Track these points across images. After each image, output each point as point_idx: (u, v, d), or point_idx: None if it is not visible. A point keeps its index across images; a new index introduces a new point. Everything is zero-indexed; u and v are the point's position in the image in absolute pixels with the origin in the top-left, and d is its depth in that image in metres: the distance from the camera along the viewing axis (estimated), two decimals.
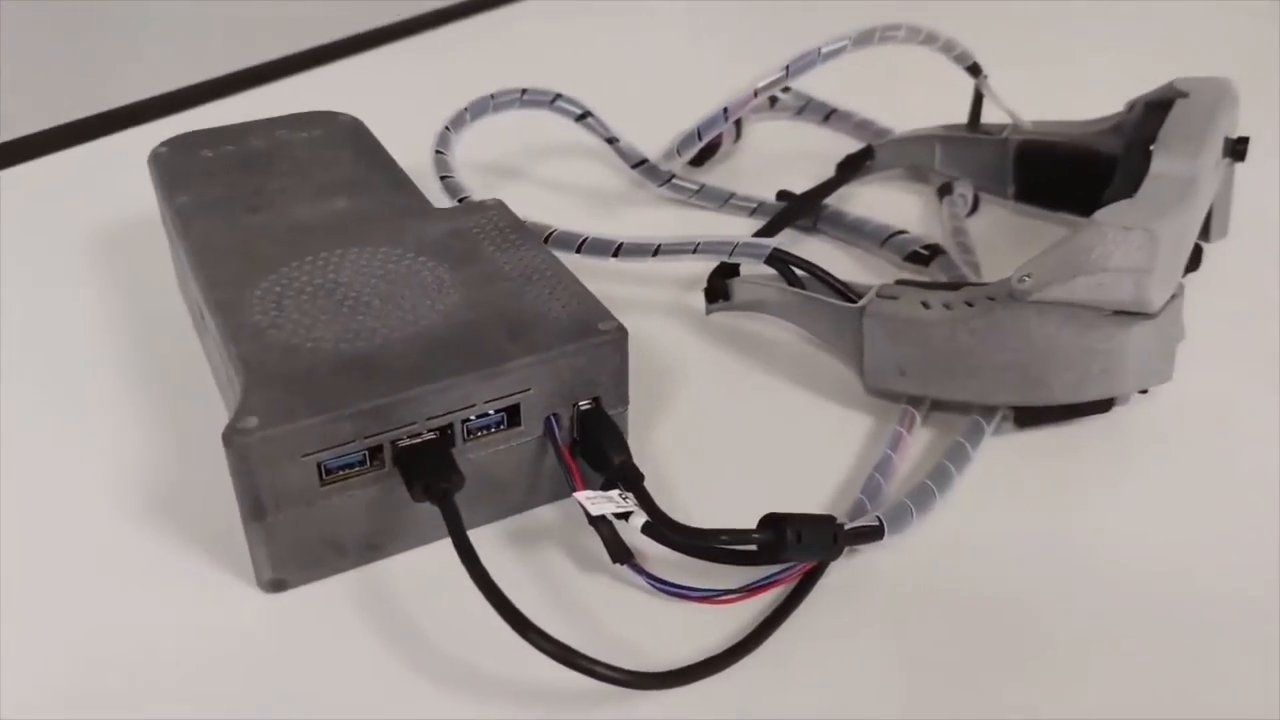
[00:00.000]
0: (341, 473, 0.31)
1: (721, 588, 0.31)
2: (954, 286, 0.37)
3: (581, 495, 0.31)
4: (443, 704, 0.28)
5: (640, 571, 0.31)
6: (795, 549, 0.30)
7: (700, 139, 0.46)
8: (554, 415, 0.33)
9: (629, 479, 0.32)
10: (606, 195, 0.53)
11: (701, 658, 0.29)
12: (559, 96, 0.50)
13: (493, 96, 0.49)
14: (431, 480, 0.30)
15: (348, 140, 0.44)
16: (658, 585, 0.31)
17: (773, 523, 0.30)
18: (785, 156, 0.56)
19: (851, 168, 0.52)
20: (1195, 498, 0.35)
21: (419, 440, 0.31)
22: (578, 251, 0.42)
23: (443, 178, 0.47)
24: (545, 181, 0.55)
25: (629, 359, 0.34)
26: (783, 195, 0.50)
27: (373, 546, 0.32)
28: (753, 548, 0.30)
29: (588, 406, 0.33)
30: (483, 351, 0.32)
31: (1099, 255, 0.34)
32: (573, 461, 0.33)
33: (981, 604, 0.31)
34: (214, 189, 0.41)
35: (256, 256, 0.36)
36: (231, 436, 0.29)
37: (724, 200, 0.51)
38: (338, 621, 0.31)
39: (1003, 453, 0.37)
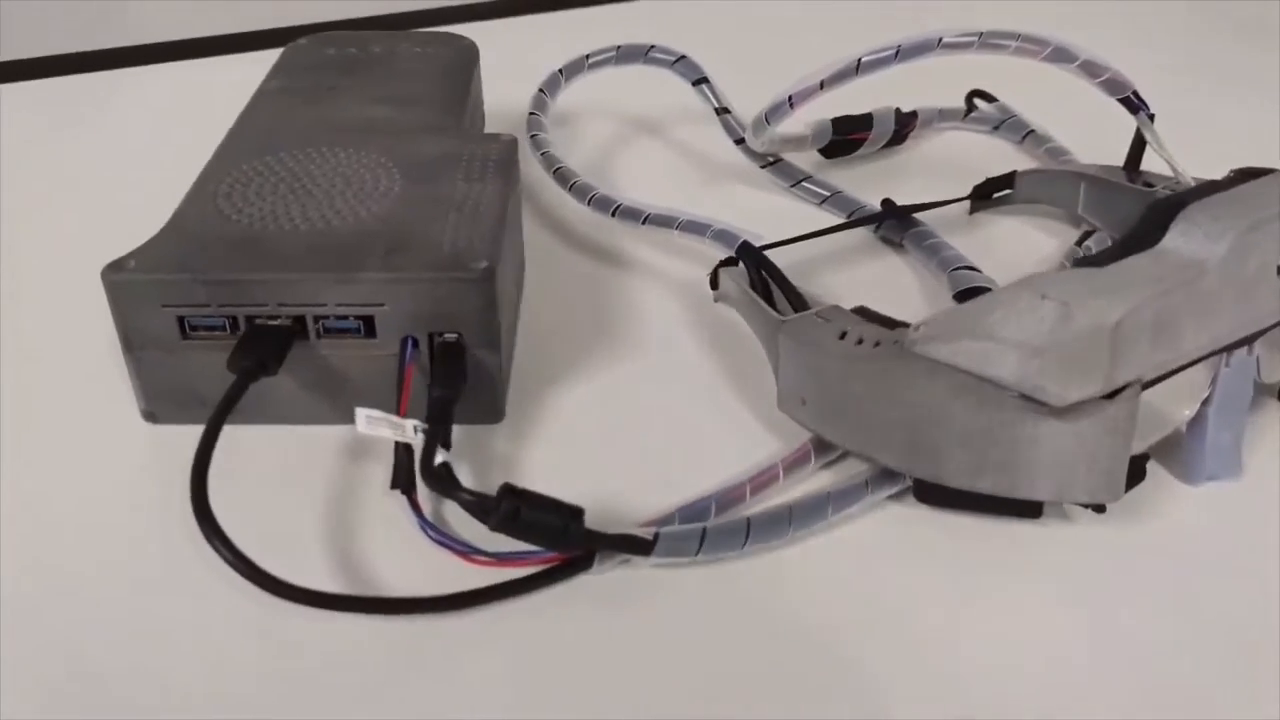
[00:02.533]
0: (202, 333, 0.33)
1: (482, 549, 0.30)
2: (893, 324, 0.32)
3: (364, 410, 0.31)
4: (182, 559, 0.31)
5: (414, 508, 0.31)
6: (516, 526, 0.28)
7: (791, 106, 0.42)
8: (412, 338, 0.34)
9: (435, 415, 0.32)
10: (709, 167, 0.51)
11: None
12: (659, 52, 0.48)
13: (587, 56, 0.48)
14: (249, 358, 0.32)
15: (448, 63, 0.46)
16: (422, 524, 0.31)
17: (508, 494, 0.29)
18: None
19: (986, 194, 0.46)
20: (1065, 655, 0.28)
21: (272, 322, 0.33)
22: (587, 204, 0.42)
23: (532, 136, 0.47)
24: (648, 146, 0.54)
25: (497, 305, 0.33)
26: (886, 204, 0.45)
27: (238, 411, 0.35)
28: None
29: (451, 340, 0.34)
30: (350, 258, 0.33)
31: (996, 320, 0.28)
32: (408, 385, 0.33)
33: (730, 655, 0.28)
34: (302, 80, 0.45)
35: (272, 140, 0.40)
36: (105, 272, 0.33)
37: (822, 199, 0.47)
38: (173, 464, 0.34)
39: (884, 522, 0.32)
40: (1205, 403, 0.32)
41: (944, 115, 0.54)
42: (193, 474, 0.30)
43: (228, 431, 0.31)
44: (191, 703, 0.27)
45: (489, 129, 0.48)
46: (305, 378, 0.34)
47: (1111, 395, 0.28)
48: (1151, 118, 0.42)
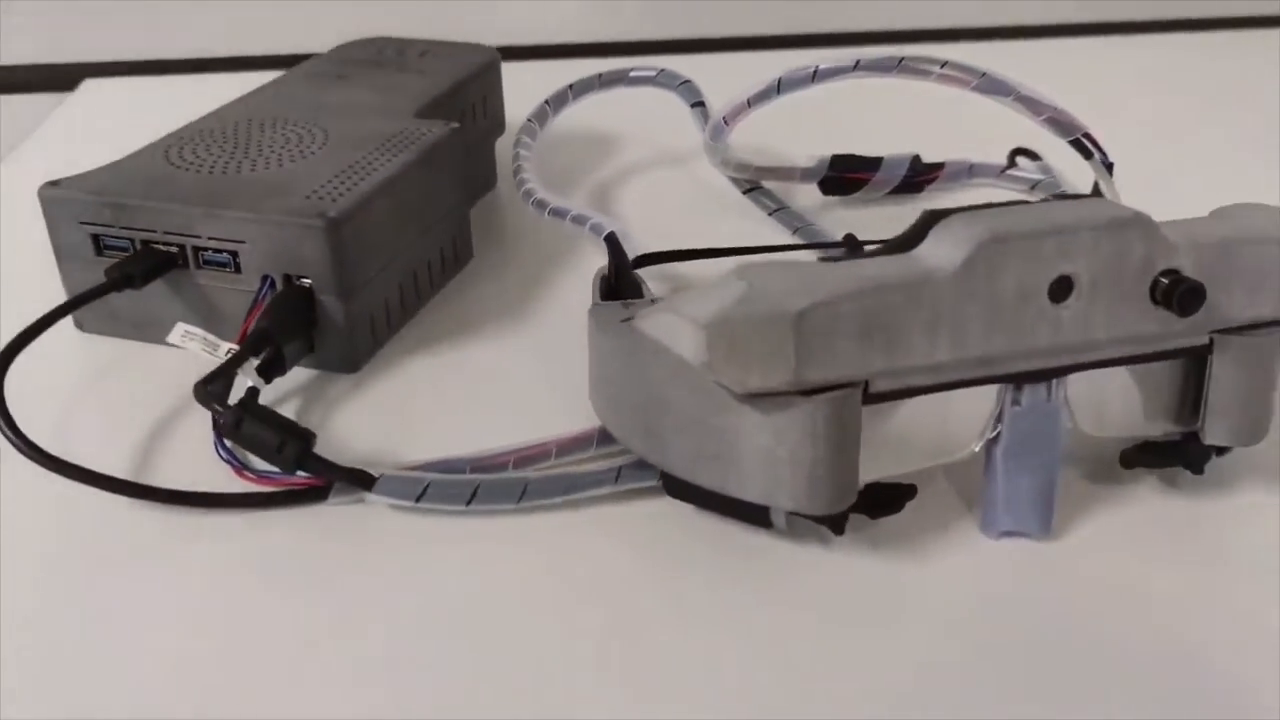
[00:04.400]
0: (111, 251, 0.38)
1: (253, 467, 0.32)
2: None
3: (184, 326, 0.34)
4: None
5: (213, 422, 0.33)
6: (239, 435, 0.31)
7: (726, 124, 0.42)
8: (270, 277, 0.36)
9: (248, 343, 0.34)
10: (698, 188, 0.51)
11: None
12: (667, 77, 0.49)
13: (570, 86, 0.49)
14: (118, 270, 0.36)
15: (455, 67, 0.49)
16: (216, 438, 0.33)
17: (239, 406, 0.31)
18: None
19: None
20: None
21: (160, 248, 0.37)
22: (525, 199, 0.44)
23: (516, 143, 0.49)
24: (644, 165, 0.54)
25: (346, 255, 0.36)
26: (847, 239, 0.44)
27: (137, 326, 0.39)
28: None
29: (305, 284, 0.36)
30: (226, 198, 0.37)
31: (692, 294, 0.27)
32: (251, 317, 0.36)
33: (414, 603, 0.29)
34: (325, 68, 0.50)
35: (260, 109, 0.45)
36: (41, 188, 0.38)
37: (795, 228, 0.46)
38: (80, 369, 0.39)
39: (627, 513, 0.31)
40: (993, 442, 0.29)
41: (977, 170, 0.51)
42: None
43: (121, 343, 0.35)
44: None
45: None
46: (187, 304, 0.38)
47: (813, 393, 0.26)
48: (1110, 166, 0.38)
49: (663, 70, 0.50)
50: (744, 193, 0.49)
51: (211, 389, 0.32)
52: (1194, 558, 0.30)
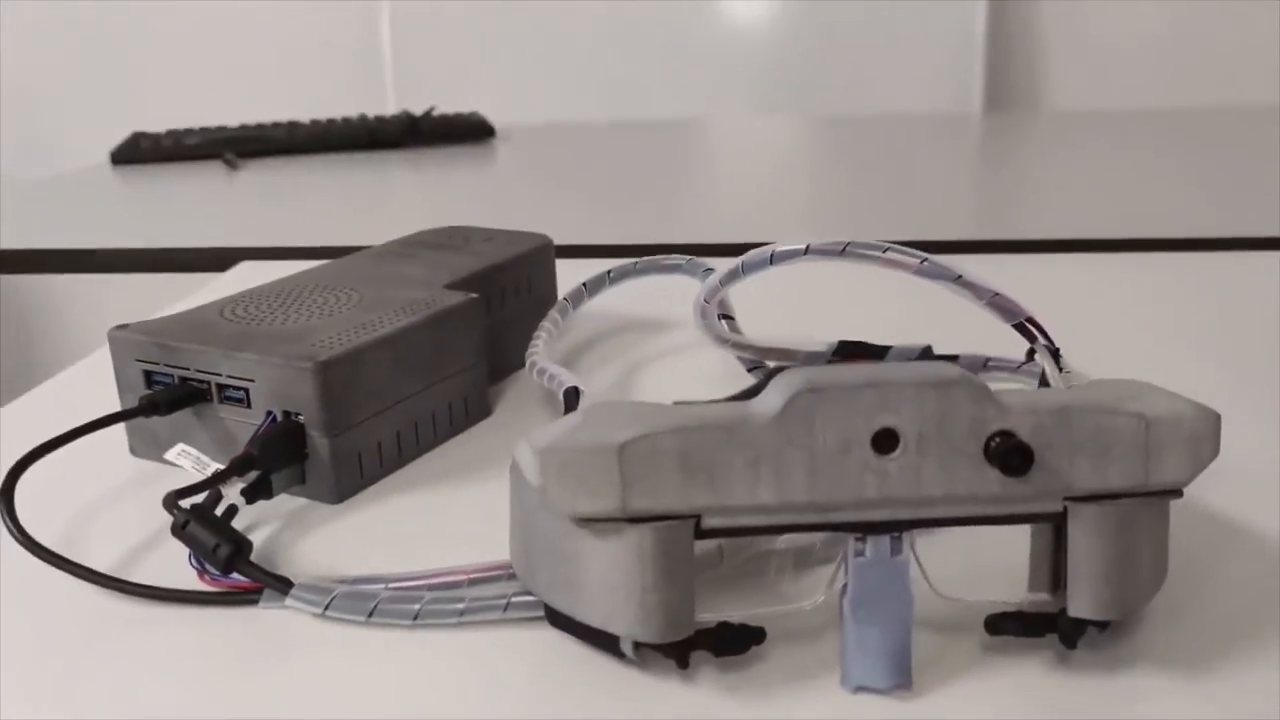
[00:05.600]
0: (158, 386, 0.44)
1: (212, 571, 0.36)
2: None
3: (181, 445, 0.40)
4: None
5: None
6: (184, 535, 0.35)
7: (721, 285, 0.45)
8: (273, 413, 0.42)
9: (232, 465, 0.39)
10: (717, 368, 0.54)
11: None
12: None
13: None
14: (146, 399, 0.43)
15: (506, 250, 0.55)
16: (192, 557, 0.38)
17: (187, 509, 0.35)
18: None
19: None
20: None
21: (194, 384, 0.43)
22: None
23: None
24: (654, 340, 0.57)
25: (332, 397, 0.41)
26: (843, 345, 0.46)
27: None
28: None
29: (299, 420, 0.41)
30: (245, 343, 0.43)
31: (546, 426, 0.30)
32: (247, 449, 0.41)
33: None
34: (397, 249, 0.56)
35: (320, 277, 0.51)
36: (110, 330, 0.45)
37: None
38: (113, 483, 0.45)
39: (515, 641, 0.33)
40: (842, 592, 0.30)
41: (994, 364, 0.52)
42: (12, 467, 0.39)
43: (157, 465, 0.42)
44: None
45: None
46: (211, 434, 0.44)
47: (642, 522, 0.28)
48: (1055, 352, 0.39)
49: (690, 259, 0.55)
50: (749, 370, 0.51)
51: (181, 499, 0.37)
52: None
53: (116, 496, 0.43)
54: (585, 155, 1.28)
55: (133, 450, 0.47)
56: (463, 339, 0.47)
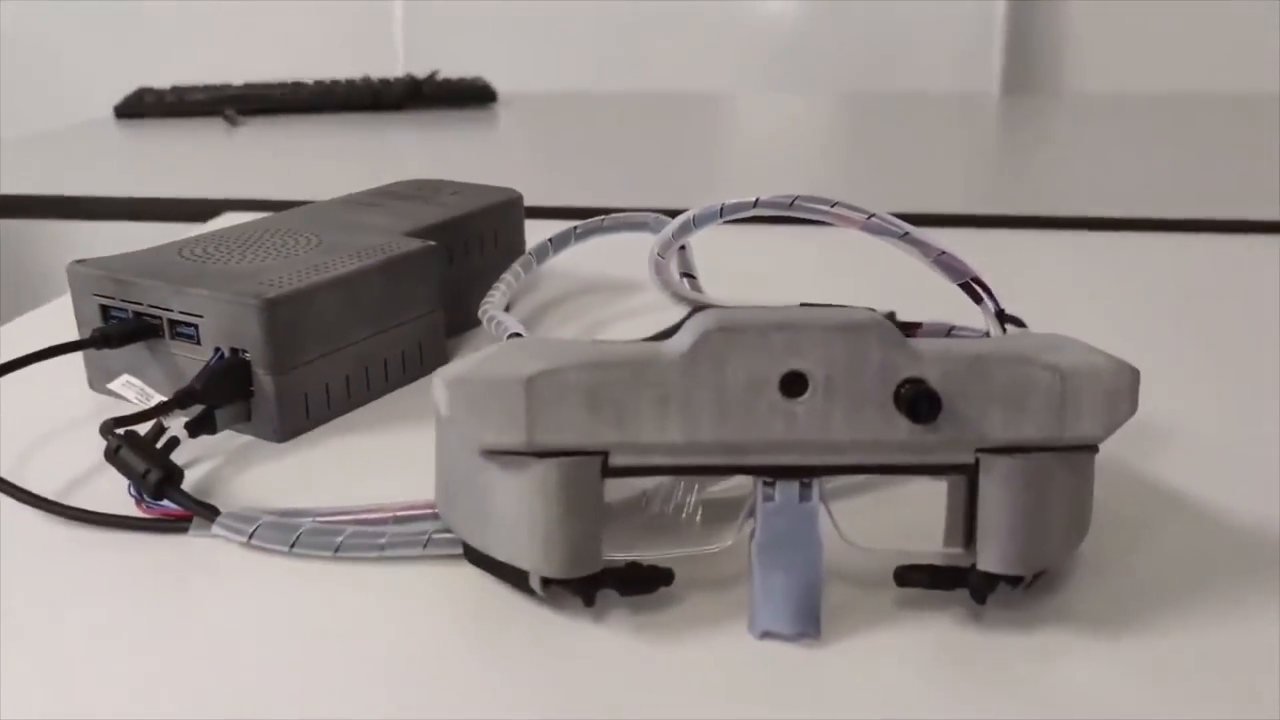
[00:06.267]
0: (114, 321, 0.45)
1: (149, 500, 0.37)
2: None
3: (126, 376, 0.40)
4: None
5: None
6: (116, 460, 0.35)
7: (674, 238, 0.45)
8: (220, 349, 0.42)
9: (174, 398, 0.39)
10: None
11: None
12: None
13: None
14: (98, 331, 0.43)
15: (472, 202, 0.55)
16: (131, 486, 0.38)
17: (121, 435, 0.36)
18: None
19: None
20: None
21: (149, 319, 0.43)
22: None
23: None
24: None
25: (277, 335, 0.41)
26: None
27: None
28: None
29: (246, 357, 0.41)
30: (196, 279, 0.43)
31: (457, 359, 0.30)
32: (191, 383, 0.41)
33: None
34: (365, 199, 0.57)
35: (285, 221, 0.51)
36: (69, 265, 0.46)
37: None
38: (68, 414, 0.45)
39: (437, 576, 0.33)
40: (752, 536, 0.30)
41: (957, 333, 0.51)
42: None
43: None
44: None
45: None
46: (163, 369, 0.44)
47: (547, 456, 0.28)
48: (1000, 314, 0.39)
49: (658, 217, 0.54)
50: None
51: (119, 426, 0.37)
52: (971, 693, 0.29)
53: (69, 427, 0.44)
54: (589, 124, 1.27)
55: (91, 384, 0.47)
56: (418, 286, 0.47)
